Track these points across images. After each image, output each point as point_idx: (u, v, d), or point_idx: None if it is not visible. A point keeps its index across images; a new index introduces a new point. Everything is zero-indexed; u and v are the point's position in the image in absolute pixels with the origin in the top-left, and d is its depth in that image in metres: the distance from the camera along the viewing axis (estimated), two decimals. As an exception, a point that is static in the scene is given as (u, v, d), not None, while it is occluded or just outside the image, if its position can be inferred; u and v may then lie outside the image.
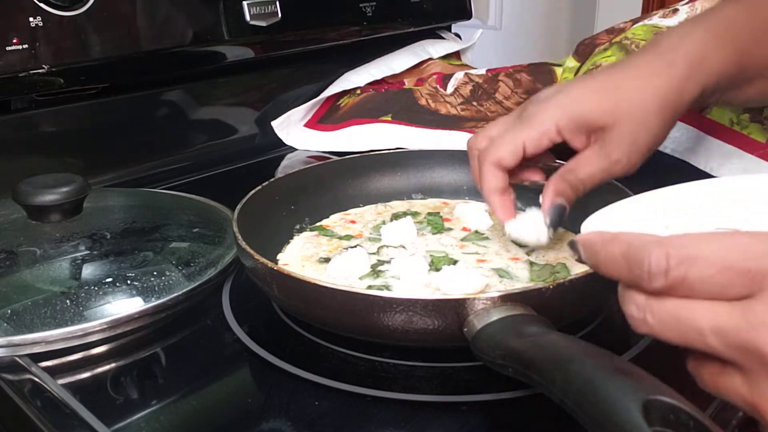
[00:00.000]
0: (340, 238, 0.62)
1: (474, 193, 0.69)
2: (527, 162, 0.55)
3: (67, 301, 0.51)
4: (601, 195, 0.51)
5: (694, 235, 0.30)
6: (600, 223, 0.39)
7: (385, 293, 0.44)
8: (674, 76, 0.52)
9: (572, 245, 0.34)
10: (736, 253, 0.28)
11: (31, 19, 0.69)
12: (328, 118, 0.98)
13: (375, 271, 0.55)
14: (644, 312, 0.31)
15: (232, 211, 0.56)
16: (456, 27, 1.25)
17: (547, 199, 0.53)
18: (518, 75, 0.98)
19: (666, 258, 0.29)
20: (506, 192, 0.55)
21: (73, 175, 0.60)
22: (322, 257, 0.58)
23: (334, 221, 0.66)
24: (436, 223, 0.64)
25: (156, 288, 0.53)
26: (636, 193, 0.42)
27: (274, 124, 0.95)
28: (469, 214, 0.64)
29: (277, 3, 0.90)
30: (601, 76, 0.54)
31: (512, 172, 0.55)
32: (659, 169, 0.75)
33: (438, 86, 0.99)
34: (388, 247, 0.60)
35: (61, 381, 0.46)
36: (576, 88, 0.54)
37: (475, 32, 1.18)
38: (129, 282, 0.54)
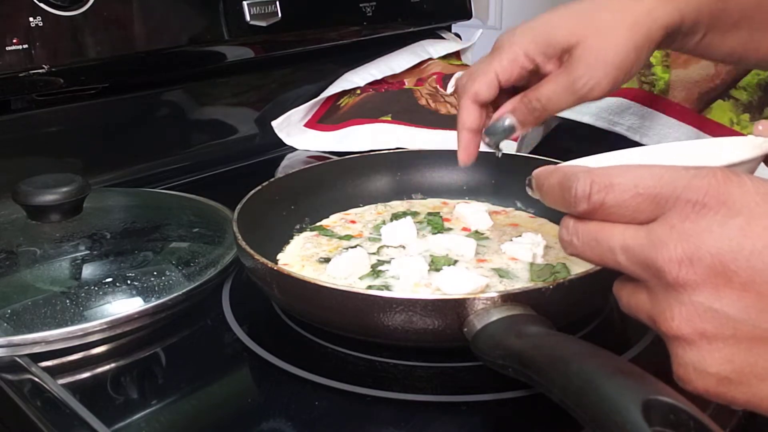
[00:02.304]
0: (340, 238, 0.62)
1: (474, 193, 0.69)
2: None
3: (67, 301, 0.51)
4: None
5: (619, 166, 0.32)
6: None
7: (385, 293, 0.44)
8: None
9: (528, 182, 0.38)
10: (648, 180, 0.31)
11: (30, 19, 0.69)
12: (328, 118, 0.98)
13: (375, 271, 0.55)
14: (571, 234, 0.34)
15: (232, 211, 0.56)
16: (456, 27, 1.25)
17: (495, 114, 0.54)
18: (518, 75, 0.97)
19: (590, 185, 0.32)
20: (477, 133, 0.56)
21: (73, 175, 0.60)
22: (322, 257, 0.58)
23: (334, 221, 0.66)
24: (436, 223, 0.64)
25: (156, 288, 0.53)
26: None
27: (274, 124, 0.95)
28: (469, 214, 0.64)
29: (277, 3, 0.90)
30: (573, 4, 0.54)
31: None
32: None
33: (438, 86, 0.99)
34: (388, 247, 0.60)
35: (61, 381, 0.46)
36: (545, 15, 0.54)
37: (475, 32, 1.18)
38: (129, 282, 0.54)
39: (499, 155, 0.57)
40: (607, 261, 0.33)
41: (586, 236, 0.33)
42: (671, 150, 0.44)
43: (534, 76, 0.54)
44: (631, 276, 0.32)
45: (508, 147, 0.83)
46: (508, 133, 0.54)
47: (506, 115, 0.53)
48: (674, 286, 0.30)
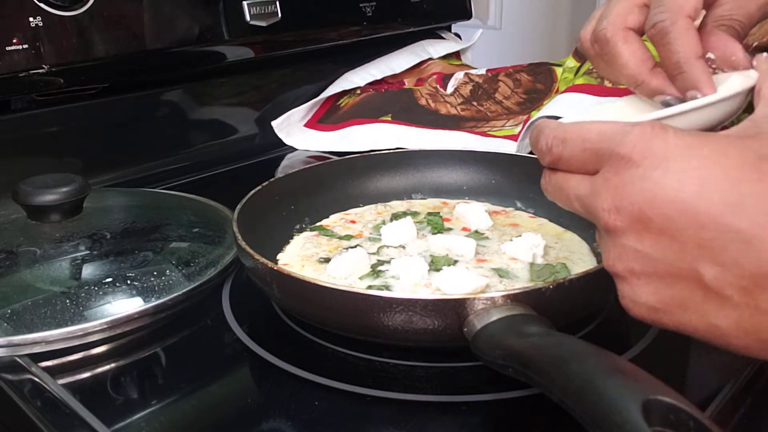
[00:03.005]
0: (340, 238, 0.62)
1: (474, 193, 0.69)
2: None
3: (67, 301, 0.51)
4: None
5: (578, 122, 0.36)
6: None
7: (385, 293, 0.44)
8: None
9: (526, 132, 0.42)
10: (593, 135, 0.34)
11: (31, 19, 0.69)
12: (328, 118, 0.98)
13: (375, 271, 0.55)
14: (546, 182, 0.39)
15: (232, 211, 0.56)
16: (456, 27, 1.25)
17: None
18: (518, 75, 0.98)
19: (550, 139, 0.36)
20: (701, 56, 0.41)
21: (73, 175, 0.60)
22: (322, 257, 0.58)
23: (334, 221, 0.66)
24: (436, 223, 0.64)
25: (156, 288, 0.53)
26: None
27: (274, 124, 0.95)
28: (469, 214, 0.64)
29: (277, 3, 0.90)
30: None
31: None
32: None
33: (438, 86, 0.99)
34: (388, 247, 0.60)
35: (61, 381, 0.46)
36: None
37: (475, 32, 1.18)
38: (129, 282, 0.54)
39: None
40: (570, 207, 0.37)
41: (554, 184, 0.38)
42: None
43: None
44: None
45: (508, 147, 0.83)
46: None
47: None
48: (608, 231, 0.34)
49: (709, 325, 0.32)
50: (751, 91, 0.37)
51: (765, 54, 0.38)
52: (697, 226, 0.31)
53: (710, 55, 0.40)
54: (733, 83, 0.38)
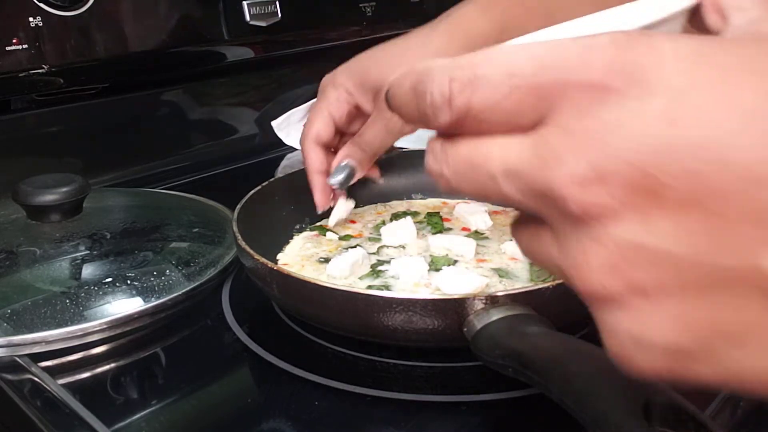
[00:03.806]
0: (340, 238, 0.62)
1: (474, 193, 0.69)
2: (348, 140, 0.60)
3: (67, 301, 0.51)
4: None
5: (486, 51, 0.22)
6: None
7: (385, 293, 0.44)
8: (435, 40, 0.59)
9: (386, 97, 0.26)
10: (524, 64, 0.21)
11: (31, 19, 0.69)
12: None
13: (375, 271, 0.55)
14: (440, 162, 0.24)
15: (232, 211, 0.56)
16: (456, 27, 1.25)
17: (335, 161, 0.60)
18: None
19: (448, 83, 0.22)
20: (327, 173, 0.60)
21: (73, 175, 0.60)
22: (322, 257, 0.58)
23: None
24: (436, 223, 0.64)
25: (156, 288, 0.53)
26: None
27: (274, 124, 0.95)
28: (469, 214, 0.64)
29: (277, 3, 0.90)
30: (388, 44, 0.61)
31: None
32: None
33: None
34: (388, 247, 0.60)
35: (61, 381, 0.46)
36: (363, 55, 0.61)
37: (475, 32, 1.18)
38: (129, 282, 0.54)
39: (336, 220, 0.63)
40: (490, 193, 0.22)
41: (457, 161, 0.23)
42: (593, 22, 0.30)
43: (361, 117, 0.61)
44: (526, 211, 0.23)
45: None
46: (351, 175, 0.59)
47: (344, 160, 0.59)
48: (582, 219, 0.20)
49: None
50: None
51: None
52: (755, 186, 0.18)
53: None
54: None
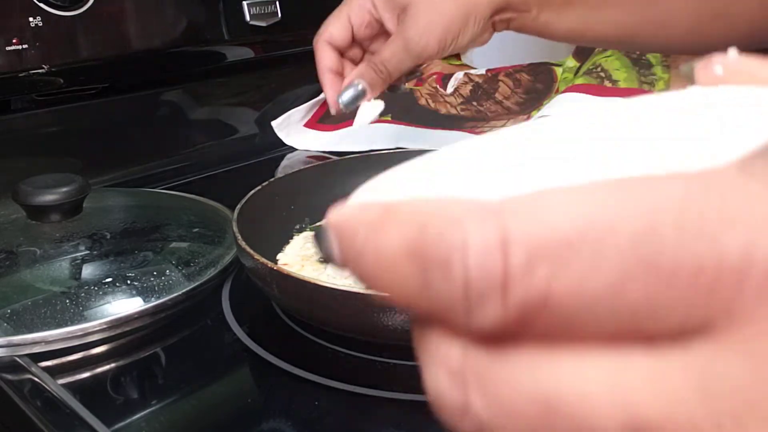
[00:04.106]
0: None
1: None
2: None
3: (67, 301, 0.51)
4: None
5: (580, 187, 0.13)
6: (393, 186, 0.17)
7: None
8: None
9: (318, 237, 0.17)
10: (673, 224, 0.12)
11: (31, 19, 0.69)
12: (328, 118, 0.98)
13: (375, 271, 0.55)
14: (466, 388, 0.14)
15: (232, 211, 0.55)
16: (456, 27, 1.25)
17: (347, 80, 0.59)
18: (518, 75, 0.98)
19: (501, 248, 0.12)
20: (339, 74, 0.60)
21: (73, 175, 0.60)
22: (322, 257, 0.58)
23: (334, 221, 0.66)
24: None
25: (156, 288, 0.53)
26: None
27: (274, 124, 0.95)
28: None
29: (277, 3, 0.90)
30: None
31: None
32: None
33: (438, 86, 0.99)
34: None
35: (61, 381, 0.46)
36: None
37: (475, 32, 1.18)
38: (129, 282, 0.54)
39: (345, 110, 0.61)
40: None
41: (509, 395, 0.13)
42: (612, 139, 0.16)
43: (382, 35, 0.60)
44: None
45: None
46: (360, 96, 0.58)
47: (356, 80, 0.58)
48: None
49: None
50: None
51: None
52: None
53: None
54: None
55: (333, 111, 0.61)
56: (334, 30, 0.59)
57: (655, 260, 0.12)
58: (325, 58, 0.60)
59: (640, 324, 0.12)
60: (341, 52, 0.60)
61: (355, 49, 0.61)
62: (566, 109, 0.79)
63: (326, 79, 0.60)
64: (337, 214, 0.15)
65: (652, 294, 0.12)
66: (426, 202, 0.14)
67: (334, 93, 0.60)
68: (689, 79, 0.20)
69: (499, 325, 0.13)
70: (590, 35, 0.62)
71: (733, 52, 0.19)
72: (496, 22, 0.59)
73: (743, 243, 0.12)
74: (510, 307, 0.12)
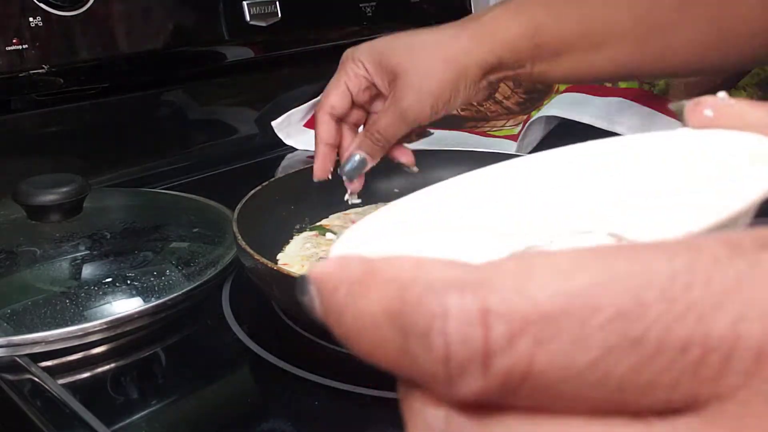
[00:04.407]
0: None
1: (474, 193, 0.69)
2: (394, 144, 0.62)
3: (67, 301, 0.51)
4: None
5: (562, 256, 0.13)
6: (370, 237, 0.18)
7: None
8: (463, 40, 0.59)
9: (298, 287, 0.16)
10: (660, 285, 0.12)
11: (31, 19, 0.69)
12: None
13: (375, 271, 0.55)
14: None
15: (232, 211, 0.55)
16: (456, 27, 1.25)
17: (347, 151, 0.61)
18: (518, 75, 0.97)
19: (481, 320, 0.12)
20: (334, 146, 0.62)
21: (73, 175, 0.60)
22: (322, 257, 0.58)
23: (333, 221, 0.66)
24: (436, 223, 0.64)
25: (156, 288, 0.53)
26: None
27: (274, 124, 0.95)
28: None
29: (277, 3, 0.90)
30: (415, 33, 0.61)
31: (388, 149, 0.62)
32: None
33: (438, 86, 0.99)
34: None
35: (61, 381, 0.46)
36: (392, 36, 0.61)
37: (475, 32, 1.18)
38: (129, 282, 0.54)
39: (355, 200, 0.66)
40: None
41: None
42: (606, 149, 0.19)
43: (380, 96, 0.61)
44: None
45: (508, 147, 0.83)
46: (361, 167, 0.60)
47: (355, 152, 0.60)
48: None
49: None
50: None
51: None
52: None
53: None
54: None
55: (315, 179, 0.62)
56: (334, 101, 0.61)
57: (640, 337, 0.12)
58: (324, 132, 0.61)
59: (626, 398, 0.12)
60: (342, 119, 0.62)
61: (357, 111, 0.63)
62: (567, 108, 0.79)
63: (319, 150, 0.62)
64: (318, 269, 0.15)
65: (637, 370, 0.12)
66: (407, 264, 0.14)
67: (323, 164, 0.62)
68: (680, 115, 0.20)
69: (480, 395, 0.13)
70: (590, 76, 0.63)
71: (722, 94, 0.21)
72: (491, 81, 0.60)
73: (730, 323, 0.12)
74: (491, 380, 0.12)
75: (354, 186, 0.64)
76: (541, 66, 0.59)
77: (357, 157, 0.60)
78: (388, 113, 0.59)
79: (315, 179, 0.63)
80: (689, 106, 0.20)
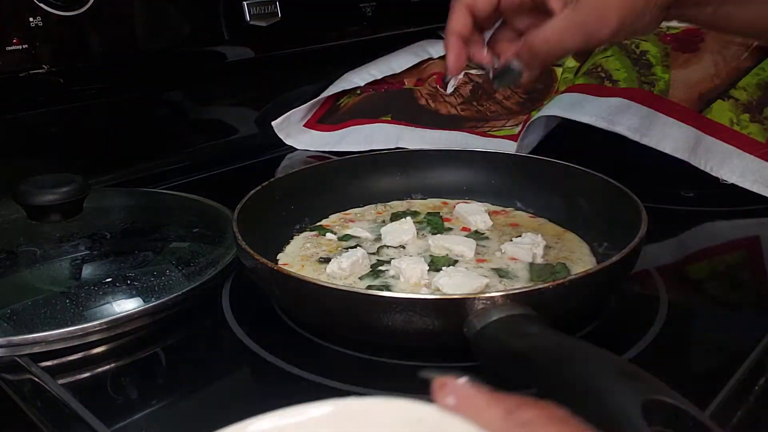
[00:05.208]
0: (340, 238, 0.62)
1: (474, 193, 0.69)
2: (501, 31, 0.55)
3: (67, 301, 0.51)
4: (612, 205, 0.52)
5: None
6: None
7: (385, 293, 0.44)
8: None
9: None
10: None
11: (31, 19, 0.69)
12: (328, 118, 0.98)
13: (375, 271, 0.55)
14: None
15: (232, 211, 0.56)
16: (456, 27, 1.25)
17: (502, 57, 0.54)
18: (518, 75, 0.98)
19: None
20: (467, 42, 0.54)
21: (73, 175, 0.60)
22: (321, 257, 0.58)
23: (333, 221, 0.66)
24: (436, 223, 0.64)
25: (156, 288, 0.53)
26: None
27: (274, 124, 0.95)
28: (469, 214, 0.64)
29: (277, 3, 0.90)
30: None
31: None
32: (660, 168, 0.75)
33: (438, 86, 0.99)
34: (388, 247, 0.59)
35: (61, 381, 0.46)
36: None
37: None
38: (129, 282, 0.54)
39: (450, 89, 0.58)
40: None
41: None
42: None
43: (530, 12, 0.53)
44: None
45: (508, 147, 0.83)
46: (516, 78, 0.52)
47: (512, 60, 0.52)
48: None
49: None
50: None
51: None
52: None
53: None
54: None
55: (449, 74, 0.56)
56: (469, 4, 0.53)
57: None
58: (459, 20, 0.53)
59: None
60: (478, 23, 0.54)
61: (492, 19, 0.55)
62: (567, 108, 0.79)
63: (451, 42, 0.54)
64: None
65: None
66: None
67: (455, 57, 0.54)
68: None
69: None
70: None
71: (463, 379, 0.23)
72: (670, 13, 0.52)
73: None
74: None
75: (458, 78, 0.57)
76: (729, 8, 0.53)
77: (515, 64, 0.52)
78: (564, 20, 0.50)
79: (449, 75, 0.56)
80: (436, 383, 0.22)
